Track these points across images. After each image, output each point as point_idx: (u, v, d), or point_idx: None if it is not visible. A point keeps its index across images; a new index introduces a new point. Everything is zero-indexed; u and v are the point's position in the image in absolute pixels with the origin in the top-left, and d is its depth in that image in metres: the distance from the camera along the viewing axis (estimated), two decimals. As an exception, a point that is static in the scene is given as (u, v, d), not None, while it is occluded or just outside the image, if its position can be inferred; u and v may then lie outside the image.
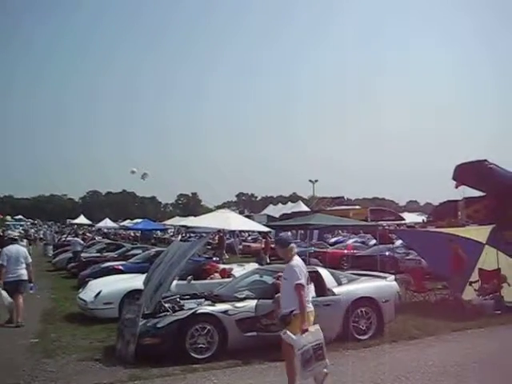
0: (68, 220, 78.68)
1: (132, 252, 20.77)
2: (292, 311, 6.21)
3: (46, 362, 8.20)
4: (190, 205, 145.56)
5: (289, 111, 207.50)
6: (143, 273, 11.56)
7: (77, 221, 58.39)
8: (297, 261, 6.42)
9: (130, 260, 17.82)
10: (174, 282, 9.37)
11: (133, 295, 10.79)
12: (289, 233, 17.95)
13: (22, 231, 50.50)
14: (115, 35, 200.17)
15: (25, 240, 22.04)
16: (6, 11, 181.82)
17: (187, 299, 9.23)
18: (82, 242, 25.88)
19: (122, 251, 22.02)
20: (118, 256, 20.64)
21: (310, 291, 6.63)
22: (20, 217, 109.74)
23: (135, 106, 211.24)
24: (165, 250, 10.80)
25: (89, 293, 11.91)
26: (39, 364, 8.11)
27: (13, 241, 12.73)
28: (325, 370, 6.29)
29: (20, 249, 12.11)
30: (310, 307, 6.40)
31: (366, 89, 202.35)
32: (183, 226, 39.27)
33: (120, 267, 16.07)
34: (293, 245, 6.60)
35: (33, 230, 38.95)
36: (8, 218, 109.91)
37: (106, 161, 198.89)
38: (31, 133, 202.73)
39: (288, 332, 6.11)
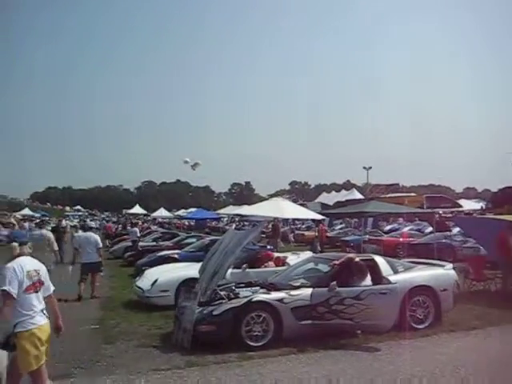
0: (124, 210, 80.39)
1: (187, 241, 21.05)
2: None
3: (106, 348, 8.41)
4: (244, 194, 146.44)
5: (342, 98, 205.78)
6: (198, 261, 11.68)
7: (132, 211, 59.73)
8: (12, 263, 5.20)
9: (185, 249, 18.04)
10: (229, 271, 9.41)
11: (188, 283, 10.94)
12: None
13: (80, 221, 51.98)
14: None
15: (80, 230, 22.57)
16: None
17: (242, 287, 9.29)
18: (138, 231, 26.42)
19: (177, 240, 22.33)
20: (173, 245, 20.96)
21: (39, 301, 5.32)
22: (78, 207, 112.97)
23: (191, 97, 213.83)
24: (220, 239, 10.87)
25: (146, 281, 12.13)
26: (99, 349, 8.33)
27: (89, 229, 15.14)
28: None
29: (92, 235, 13.90)
30: (34, 322, 5.15)
31: (416, 74, 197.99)
32: (237, 215, 39.60)
33: (175, 256, 16.33)
34: (14, 244, 5.71)
35: (90, 221, 39.95)
36: (67, 208, 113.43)
37: (161, 151, 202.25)
38: (89, 127, 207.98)
39: None
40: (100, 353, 8.12)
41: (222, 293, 8.64)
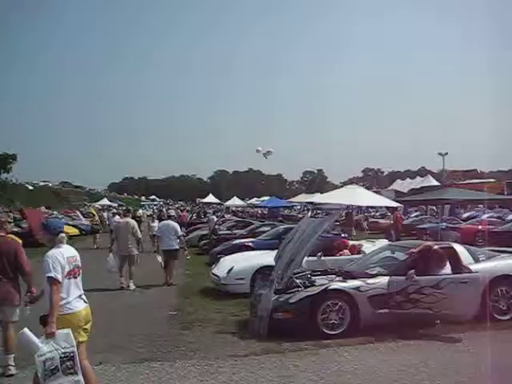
0: (198, 199, 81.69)
1: (261, 229, 21.11)
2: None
3: (185, 334, 8.61)
4: (316, 182, 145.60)
5: (421, 79, 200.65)
6: (273, 249, 11.73)
7: (206, 200, 60.56)
8: (53, 251, 5.30)
9: (260, 237, 18.14)
10: (305, 259, 9.37)
11: (264, 271, 11.01)
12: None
13: (156, 210, 53.25)
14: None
15: (156, 221, 23.15)
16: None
17: (318, 275, 9.24)
18: (216, 219, 26.84)
19: (251, 228, 22.46)
20: (247, 233, 21.10)
21: (78, 287, 5.42)
22: (153, 197, 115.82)
23: (263, 85, 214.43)
24: (295, 227, 10.85)
25: (221, 269, 12.30)
26: (178, 335, 8.53)
27: (168, 217, 15.92)
28: None
29: (171, 223, 14.54)
30: (72, 308, 5.23)
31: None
32: (310, 203, 39.42)
33: (250, 244, 16.46)
34: (62, 235, 5.56)
35: (165, 210, 40.98)
36: (143, 198, 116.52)
37: (233, 140, 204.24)
38: (163, 118, 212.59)
39: (26, 331, 4.90)
40: (179, 338, 8.32)
41: (297, 281, 8.63)
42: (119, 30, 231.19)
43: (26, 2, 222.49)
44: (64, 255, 5.29)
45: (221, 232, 23.25)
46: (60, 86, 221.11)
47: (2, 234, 6.96)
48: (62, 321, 5.04)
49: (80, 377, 4.93)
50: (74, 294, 5.31)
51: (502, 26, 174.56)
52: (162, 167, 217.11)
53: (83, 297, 5.49)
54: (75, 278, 5.39)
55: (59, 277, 5.10)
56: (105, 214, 33.37)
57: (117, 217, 25.16)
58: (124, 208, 34.31)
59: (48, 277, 5.07)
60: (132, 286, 13.31)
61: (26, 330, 4.86)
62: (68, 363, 4.82)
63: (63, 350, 4.82)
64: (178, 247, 14.18)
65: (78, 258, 5.57)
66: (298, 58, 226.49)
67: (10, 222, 7.88)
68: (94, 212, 31.22)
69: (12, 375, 6.57)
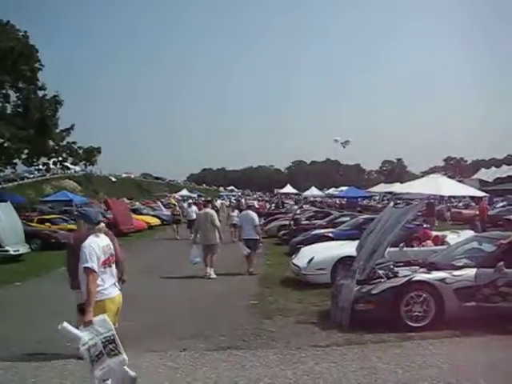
0: (275, 189, 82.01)
1: (340, 219, 20.97)
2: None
3: (266, 323, 8.66)
4: (395, 171, 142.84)
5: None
6: (353, 240, 11.62)
7: (284, 190, 60.68)
8: (89, 241, 5.44)
9: (339, 227, 18.00)
10: (387, 249, 9.19)
11: (345, 261, 10.91)
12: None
13: (234, 201, 53.88)
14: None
15: (236, 210, 23.38)
16: None
17: (401, 266, 9.05)
18: (298, 209, 26.87)
19: (330, 219, 22.33)
20: (326, 223, 20.98)
21: (112, 274, 5.62)
22: (232, 188, 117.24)
23: (340, 75, 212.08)
24: (377, 217, 10.68)
25: (302, 259, 12.28)
26: (259, 324, 8.60)
27: (248, 207, 16.39)
28: (131, 373, 5.37)
29: (249, 213, 14.79)
30: (108, 294, 5.45)
31: None
32: (389, 193, 38.71)
33: (330, 234, 16.36)
34: (102, 224, 5.74)
35: (243, 200, 41.37)
36: (221, 188, 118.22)
37: (311, 131, 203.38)
38: (239, 111, 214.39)
39: (66, 324, 5.00)
40: (260, 327, 8.38)
41: (380, 271, 8.47)
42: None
43: None
44: (100, 245, 5.48)
45: (300, 222, 23.27)
46: (138, 83, 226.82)
47: None
48: (100, 306, 5.28)
49: (124, 356, 5.16)
50: (109, 281, 5.53)
51: None
52: (239, 158, 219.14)
53: (117, 284, 5.74)
54: (110, 266, 5.61)
55: (95, 267, 5.30)
56: (185, 205, 34.08)
57: (193, 207, 25.70)
58: (203, 199, 34.99)
59: (85, 267, 5.29)
60: (213, 275, 13.56)
61: (65, 323, 5.01)
62: (110, 346, 5.06)
63: (104, 335, 5.04)
64: (257, 237, 14.38)
65: (112, 247, 5.77)
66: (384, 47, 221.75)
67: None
68: (175, 202, 31.94)
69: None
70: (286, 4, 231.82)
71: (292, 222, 22.92)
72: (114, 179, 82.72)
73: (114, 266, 5.71)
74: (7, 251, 16.69)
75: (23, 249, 17.75)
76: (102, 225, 5.75)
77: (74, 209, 31.23)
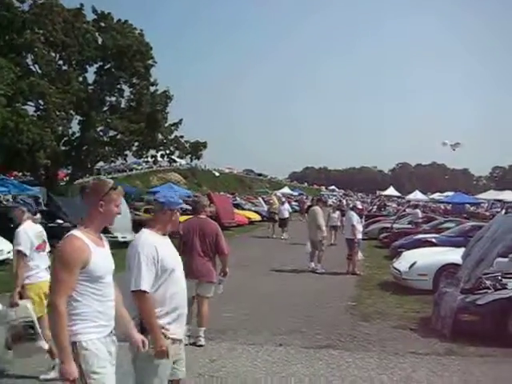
0: (378, 191, 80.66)
1: (444, 225, 20.25)
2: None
3: (363, 325, 8.55)
4: (507, 178, 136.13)
5: None
6: (458, 247, 11.19)
7: (386, 192, 59.55)
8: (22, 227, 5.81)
9: (444, 233, 17.40)
10: (496, 259, 8.77)
11: (448, 269, 10.55)
12: None
13: (336, 201, 53.51)
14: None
15: (337, 211, 23.11)
16: None
17: (510, 278, 8.60)
18: (420, 213, 26.12)
19: (435, 224, 21.63)
20: (430, 228, 20.35)
21: (43, 259, 5.89)
22: (333, 187, 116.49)
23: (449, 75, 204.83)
24: (487, 224, 10.21)
25: (403, 263, 11.98)
26: (356, 326, 8.50)
27: (351, 208, 16.18)
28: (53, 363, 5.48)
29: (349, 213, 15.14)
30: (36, 278, 5.76)
31: None
32: (499, 201, 36.94)
33: (433, 240, 15.84)
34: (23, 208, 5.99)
35: (344, 201, 40.96)
36: (322, 188, 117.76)
37: (416, 133, 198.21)
38: (345, 113, 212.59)
39: None
40: (357, 329, 8.29)
41: (487, 282, 8.11)
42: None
43: None
44: (34, 231, 5.87)
45: (400, 226, 22.81)
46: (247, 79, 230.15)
47: (204, 216, 7.41)
48: (31, 289, 5.69)
49: (42, 342, 5.44)
50: (42, 265, 5.86)
51: None
52: (342, 158, 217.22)
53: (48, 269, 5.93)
54: (43, 251, 5.96)
55: (27, 251, 5.66)
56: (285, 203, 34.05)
57: (286, 205, 25.76)
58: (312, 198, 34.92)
59: (17, 250, 5.68)
60: (320, 269, 14.13)
61: None
62: (29, 331, 5.42)
63: (24, 319, 5.40)
64: (352, 237, 14.44)
65: (45, 233, 6.08)
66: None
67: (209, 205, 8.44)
68: (276, 199, 31.99)
69: (202, 345, 7.02)
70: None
71: (393, 225, 22.44)
72: (217, 174, 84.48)
73: (46, 251, 6.04)
74: (116, 237, 17.53)
75: (130, 236, 18.55)
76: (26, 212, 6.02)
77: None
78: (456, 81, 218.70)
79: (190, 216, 7.67)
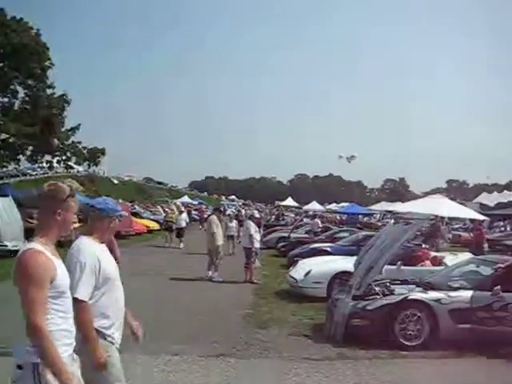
0: (276, 201, 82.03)
1: (339, 235, 21.01)
2: None
3: (259, 332, 8.65)
4: (397, 190, 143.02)
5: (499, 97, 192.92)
6: (351, 255, 11.65)
7: (285, 203, 60.73)
8: None
9: (338, 242, 18.02)
10: (384, 267, 9.21)
11: (341, 276, 10.95)
12: None
13: (235, 210, 53.93)
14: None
15: (234, 221, 23.10)
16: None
17: (397, 284, 9.06)
18: (320, 223, 26.74)
19: (330, 233, 22.36)
20: (325, 238, 21.01)
21: None
22: (233, 197, 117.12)
23: (348, 92, 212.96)
24: (376, 234, 10.71)
25: (299, 271, 12.29)
26: (253, 333, 8.59)
27: (249, 218, 16.24)
28: None
29: (247, 223, 15.27)
30: None
31: None
32: (390, 212, 38.69)
33: (328, 249, 16.36)
34: None
35: (243, 211, 41.36)
36: (222, 197, 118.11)
37: (315, 145, 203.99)
38: (246, 120, 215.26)
39: None
40: (254, 337, 8.37)
41: (376, 288, 8.49)
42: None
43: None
44: None
45: (297, 236, 23.33)
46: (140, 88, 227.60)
47: None
48: None
49: None
50: None
51: None
52: (242, 168, 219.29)
53: None
54: None
55: None
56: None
57: (183, 215, 25.65)
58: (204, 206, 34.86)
59: None
60: (217, 278, 14.28)
61: None
62: None
63: None
64: (250, 246, 14.62)
65: None
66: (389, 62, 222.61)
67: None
68: (175, 208, 31.68)
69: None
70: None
71: (290, 235, 22.93)
72: (116, 181, 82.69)
73: None
74: (6, 246, 16.68)
75: (21, 245, 17.72)
76: None
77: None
78: (351, 96, 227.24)
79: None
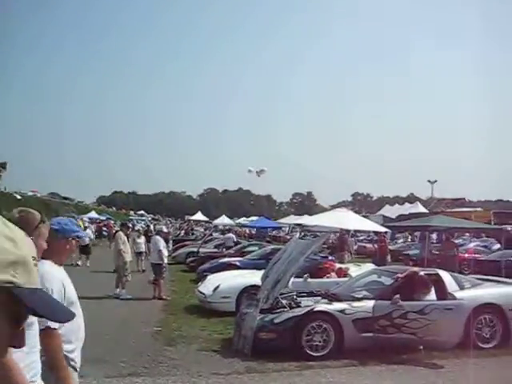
0: (186, 216, 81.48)
1: (248, 249, 21.16)
2: None
3: (168, 350, 8.58)
4: (305, 204, 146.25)
5: (407, 111, 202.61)
6: (259, 269, 11.78)
7: (195, 217, 60.35)
8: None
9: (247, 256, 18.16)
10: (291, 280, 9.41)
11: (250, 290, 11.04)
12: None
13: (144, 226, 53.09)
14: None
15: (142, 237, 22.22)
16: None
17: (304, 296, 9.26)
18: (234, 237, 26.63)
19: (239, 247, 22.49)
20: (234, 252, 21.11)
21: None
22: (142, 212, 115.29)
23: (254, 105, 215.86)
24: (283, 247, 10.91)
25: (208, 286, 12.28)
26: (162, 351, 8.50)
27: (156, 233, 16.35)
28: None
29: (156, 238, 15.04)
30: None
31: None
32: (298, 225, 39.48)
33: (237, 263, 16.45)
34: None
35: (152, 226, 40.79)
36: (131, 212, 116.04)
37: (223, 159, 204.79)
38: (155, 134, 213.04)
39: None
40: (162, 354, 8.29)
41: (283, 301, 8.65)
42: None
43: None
44: None
45: (206, 251, 23.26)
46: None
47: None
48: None
49: None
50: None
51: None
52: (152, 182, 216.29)
53: None
54: None
55: None
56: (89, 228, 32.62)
57: (87, 230, 24.49)
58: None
59: None
60: (124, 295, 14.02)
61: None
62: None
63: None
64: (160, 262, 14.44)
65: None
66: (298, 79, 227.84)
67: None
68: (81, 224, 30.83)
69: None
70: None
71: (200, 250, 22.89)
72: (19, 197, 79.22)
73: None
74: None
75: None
76: None
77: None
78: (258, 109, 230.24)
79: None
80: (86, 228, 25.37)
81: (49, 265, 3.46)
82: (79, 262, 23.20)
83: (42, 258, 3.55)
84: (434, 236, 28.58)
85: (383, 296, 8.63)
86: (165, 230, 17.53)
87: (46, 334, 3.07)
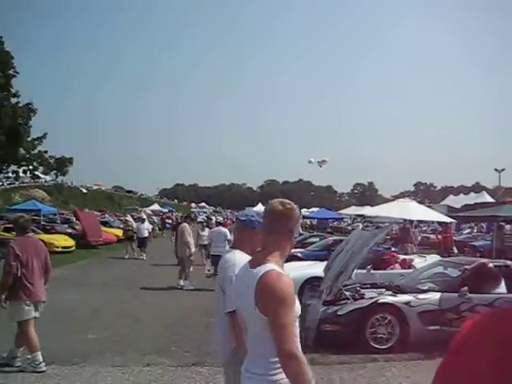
0: (247, 208, 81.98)
1: (309, 240, 21.09)
2: None
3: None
4: (366, 194, 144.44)
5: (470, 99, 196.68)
6: (321, 260, 11.68)
7: (255, 209, 60.72)
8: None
9: (308, 248, 18.09)
10: (354, 271, 9.28)
11: (312, 282, 10.96)
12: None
13: (206, 217, 53.68)
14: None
15: (206, 229, 22.12)
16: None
17: (367, 288, 9.14)
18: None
19: (300, 239, 22.40)
20: (296, 243, 21.00)
21: None
22: (203, 204, 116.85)
23: (315, 98, 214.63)
24: (346, 239, 10.77)
25: (270, 278, 12.26)
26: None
27: (218, 224, 16.38)
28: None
29: (222, 229, 14.44)
30: None
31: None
32: (359, 216, 39.05)
33: (298, 254, 16.40)
34: None
35: (214, 218, 41.07)
36: (193, 205, 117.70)
37: (284, 151, 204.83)
38: (216, 126, 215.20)
39: None
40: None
41: (347, 293, 8.55)
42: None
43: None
44: None
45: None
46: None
47: (31, 235, 7.29)
48: None
49: None
50: None
51: None
52: (213, 175, 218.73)
53: None
54: None
55: None
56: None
57: (146, 223, 24.11)
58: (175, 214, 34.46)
59: None
60: (187, 286, 14.13)
61: None
62: None
63: None
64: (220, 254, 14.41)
65: None
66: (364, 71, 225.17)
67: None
68: (145, 216, 31.24)
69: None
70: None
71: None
72: (84, 190, 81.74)
73: None
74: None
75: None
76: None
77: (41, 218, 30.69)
78: (320, 100, 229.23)
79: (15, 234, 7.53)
80: (143, 221, 24.42)
81: (239, 254, 3.65)
82: (135, 254, 22.96)
83: (231, 247, 3.91)
84: (508, 227, 27.52)
85: (450, 288, 8.40)
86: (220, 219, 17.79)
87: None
